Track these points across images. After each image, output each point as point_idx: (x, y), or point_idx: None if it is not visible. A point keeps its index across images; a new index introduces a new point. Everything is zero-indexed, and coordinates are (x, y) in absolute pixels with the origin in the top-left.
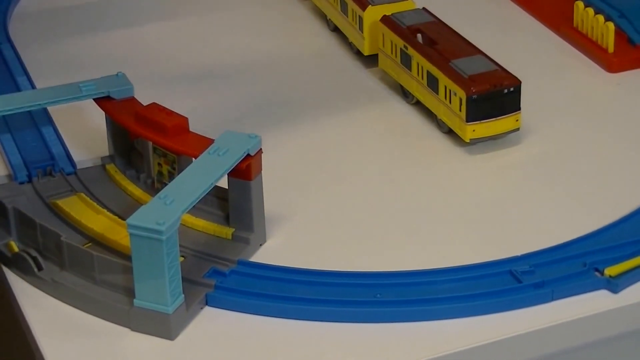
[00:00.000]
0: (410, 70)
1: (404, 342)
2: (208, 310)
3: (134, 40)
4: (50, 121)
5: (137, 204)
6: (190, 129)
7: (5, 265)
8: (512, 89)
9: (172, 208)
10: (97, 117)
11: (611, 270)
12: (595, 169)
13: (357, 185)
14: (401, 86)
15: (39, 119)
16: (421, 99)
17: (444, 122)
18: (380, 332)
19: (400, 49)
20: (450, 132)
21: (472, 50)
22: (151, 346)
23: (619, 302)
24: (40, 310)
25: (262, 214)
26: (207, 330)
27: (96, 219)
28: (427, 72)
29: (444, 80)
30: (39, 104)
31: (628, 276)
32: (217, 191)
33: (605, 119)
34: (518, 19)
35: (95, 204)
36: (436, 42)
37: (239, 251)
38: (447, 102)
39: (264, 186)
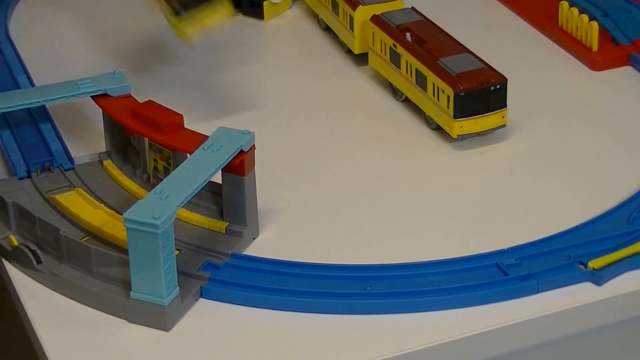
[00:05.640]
0: (399, 69)
1: (393, 333)
2: (202, 302)
3: (131, 39)
4: (49, 118)
5: (133, 198)
6: (185, 126)
7: (5, 258)
8: (498, 87)
9: (167, 203)
10: (94, 114)
11: (595, 263)
12: (579, 165)
13: (348, 180)
14: (390, 84)
15: (38, 116)
16: (410, 96)
17: (432, 119)
18: (370, 323)
19: (390, 47)
20: (438, 129)
21: (459, 48)
22: (147, 337)
23: (602, 294)
24: (39, 302)
25: (255, 208)
26: (202, 321)
27: (94, 214)
28: (416, 70)
29: (432, 78)
30: (38, 102)
31: (611, 269)
32: (211, 186)
33: (590, 116)
34: (504, 18)
35: (92, 198)
36: (424, 41)
37: (233, 244)
38: (435, 99)
39: (257, 181)
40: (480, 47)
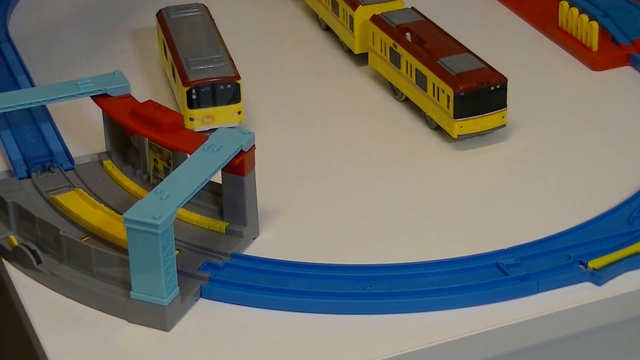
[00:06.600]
0: (400, 68)
1: (393, 333)
2: (202, 302)
3: (131, 39)
4: (49, 118)
5: (133, 198)
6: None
7: (5, 258)
8: (498, 87)
9: (167, 203)
10: (94, 114)
11: (595, 263)
12: (579, 165)
13: (348, 180)
14: (390, 84)
15: (38, 116)
16: (410, 96)
17: (432, 119)
18: (370, 323)
19: (390, 47)
20: (438, 129)
21: (459, 48)
22: (147, 337)
23: (602, 294)
24: (39, 302)
25: (255, 208)
26: (202, 321)
27: (94, 214)
28: (416, 70)
29: (432, 78)
30: (38, 102)
31: (611, 269)
32: (211, 186)
33: (590, 116)
34: (504, 18)
35: (92, 199)
36: (424, 41)
37: (233, 244)
38: (435, 99)
39: (257, 181)
40: (480, 47)
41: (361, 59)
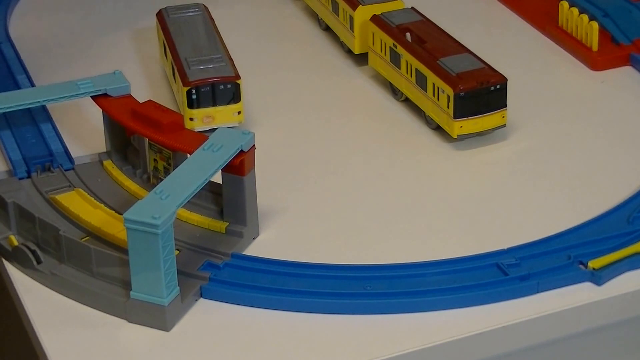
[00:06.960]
0: (400, 68)
1: (393, 333)
2: (202, 302)
3: (131, 39)
4: (49, 118)
5: (133, 198)
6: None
7: (5, 258)
8: (498, 87)
9: (167, 203)
10: (94, 115)
11: (595, 263)
12: (579, 165)
13: (348, 180)
14: (390, 84)
15: (38, 116)
16: (410, 96)
17: (432, 119)
18: (370, 323)
19: (390, 47)
20: (438, 128)
21: (459, 48)
22: (147, 337)
23: (602, 294)
24: (40, 302)
25: (255, 208)
26: (202, 321)
27: (94, 214)
28: (416, 70)
29: (432, 78)
30: (38, 102)
31: (611, 269)
32: (211, 186)
33: (590, 116)
34: (504, 18)
35: (92, 199)
36: (425, 41)
37: (233, 245)
38: (435, 99)
39: (257, 181)
40: (480, 47)
41: (361, 59)
